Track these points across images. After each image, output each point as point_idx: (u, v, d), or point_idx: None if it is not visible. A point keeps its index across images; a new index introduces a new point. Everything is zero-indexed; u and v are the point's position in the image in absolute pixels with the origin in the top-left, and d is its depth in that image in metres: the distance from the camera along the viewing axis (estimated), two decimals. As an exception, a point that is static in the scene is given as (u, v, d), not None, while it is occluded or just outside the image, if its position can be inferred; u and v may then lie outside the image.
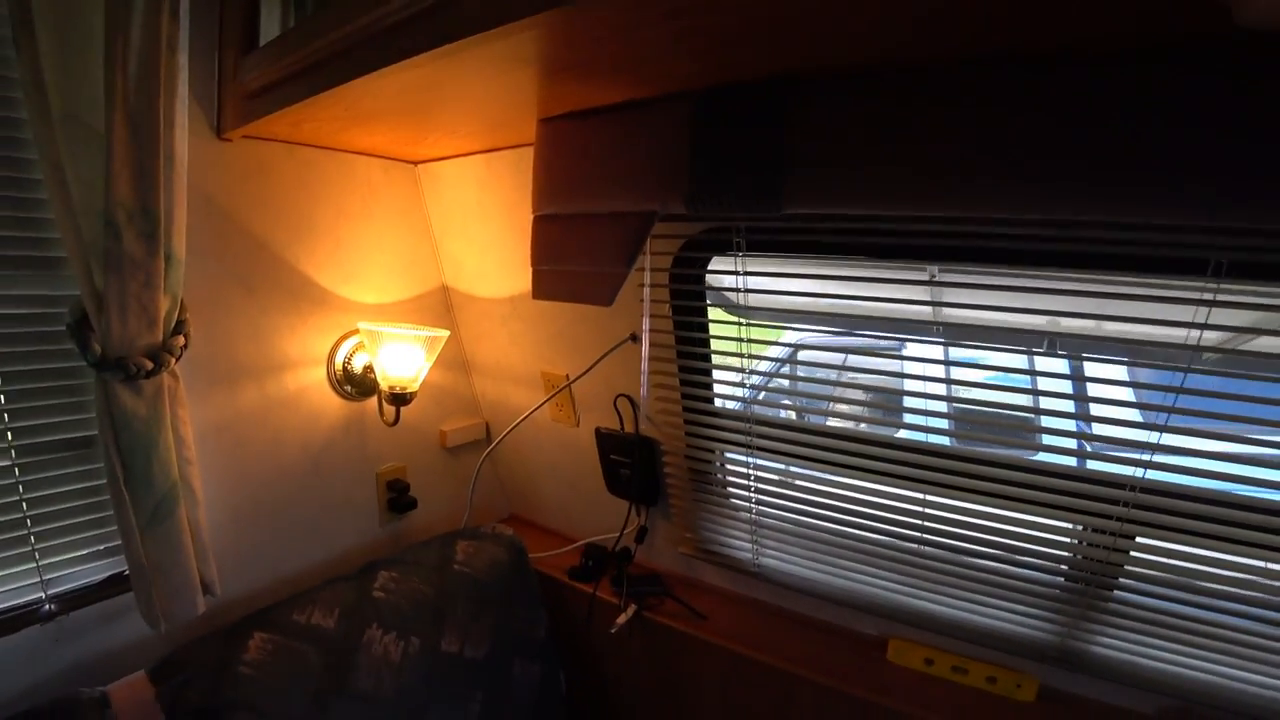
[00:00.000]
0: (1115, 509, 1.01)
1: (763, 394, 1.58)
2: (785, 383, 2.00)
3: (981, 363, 1.15)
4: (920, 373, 1.32)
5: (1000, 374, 1.11)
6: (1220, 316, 0.84)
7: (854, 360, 1.24)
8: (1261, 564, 0.95)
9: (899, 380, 1.48)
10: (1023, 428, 1.39)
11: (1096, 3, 0.59)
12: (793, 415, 1.52)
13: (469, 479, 1.69)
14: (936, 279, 1.10)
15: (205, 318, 1.19)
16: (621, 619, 1.41)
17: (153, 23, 0.97)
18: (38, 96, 0.95)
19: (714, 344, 1.29)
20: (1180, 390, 0.89)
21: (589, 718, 1.59)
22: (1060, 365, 1.81)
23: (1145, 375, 1.41)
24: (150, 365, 1.04)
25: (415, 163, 1.48)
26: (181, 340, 1.10)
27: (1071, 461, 1.15)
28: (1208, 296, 0.82)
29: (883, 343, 1.30)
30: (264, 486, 1.33)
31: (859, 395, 1.50)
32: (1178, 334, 0.88)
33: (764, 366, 2.03)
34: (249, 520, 1.31)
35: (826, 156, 0.84)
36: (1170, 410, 0.90)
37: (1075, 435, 1.12)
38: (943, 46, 0.73)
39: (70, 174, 0.97)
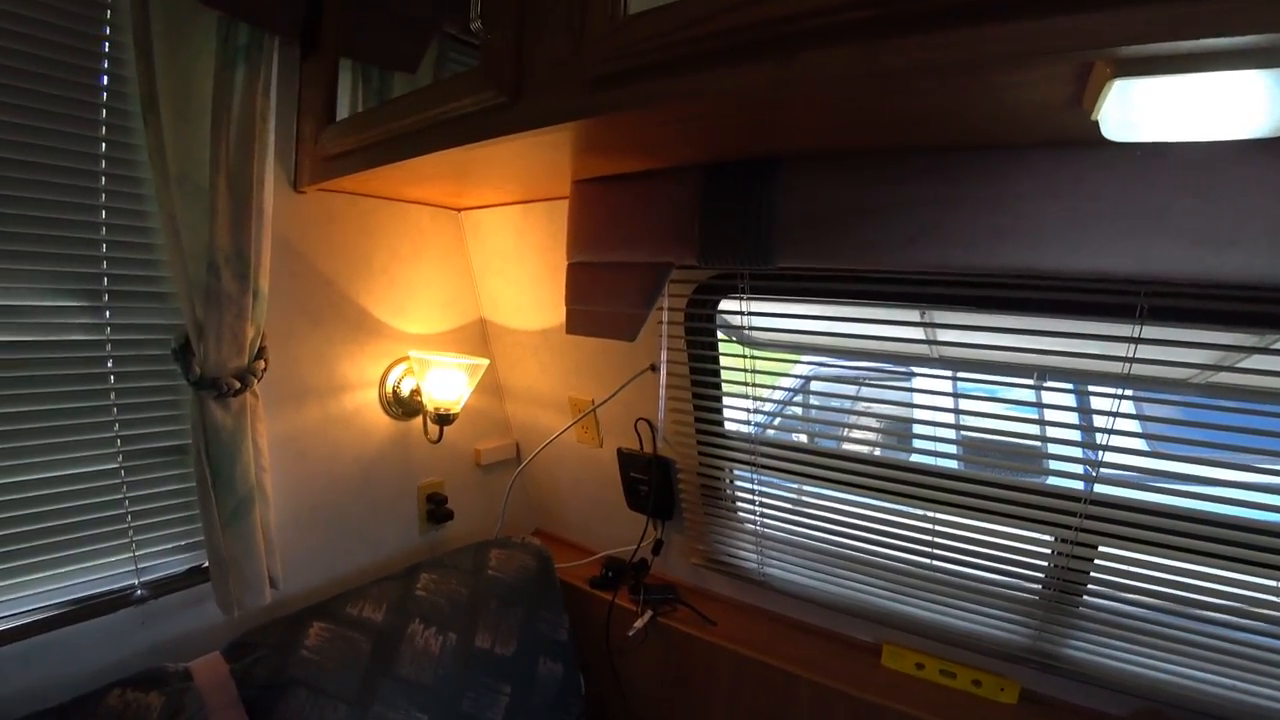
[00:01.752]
0: (1073, 520, 1.15)
1: (777, 419, 1.73)
2: (796, 409, 2.15)
3: (981, 394, 1.29)
4: (925, 402, 1.47)
5: (1003, 404, 1.26)
6: (1148, 352, 0.99)
7: (851, 389, 1.40)
8: (1216, 572, 1.08)
9: (906, 409, 1.63)
10: (1023, 453, 1.53)
11: (995, 119, 0.76)
12: (803, 438, 1.66)
13: (501, 494, 1.85)
14: (926, 317, 1.27)
15: (280, 345, 1.37)
16: (639, 623, 1.55)
17: (249, 100, 1.18)
18: (159, 161, 1.15)
19: (726, 374, 1.45)
20: (1117, 414, 1.04)
21: (606, 715, 1.71)
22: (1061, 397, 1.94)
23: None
24: (238, 385, 1.23)
25: (459, 209, 1.67)
26: (263, 364, 1.29)
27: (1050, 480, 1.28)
28: (1136, 333, 0.98)
29: (877, 373, 1.45)
30: (322, 493, 1.49)
31: (863, 420, 1.65)
32: (1115, 366, 1.03)
33: (776, 395, 2.19)
34: (308, 523, 1.47)
35: (810, 220, 1.01)
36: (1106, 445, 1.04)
37: (1039, 455, 1.26)
38: (892, 140, 0.91)
39: (182, 224, 1.17)
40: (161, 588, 1.29)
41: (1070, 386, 1.48)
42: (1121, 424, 1.05)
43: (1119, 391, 1.02)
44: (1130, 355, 0.99)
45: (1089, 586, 1.23)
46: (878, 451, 1.45)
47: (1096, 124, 0.63)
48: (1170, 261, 0.84)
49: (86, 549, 1.21)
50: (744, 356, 1.39)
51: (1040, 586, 1.27)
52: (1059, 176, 0.86)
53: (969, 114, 0.77)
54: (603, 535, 1.84)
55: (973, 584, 1.33)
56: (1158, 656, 1.18)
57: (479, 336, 1.81)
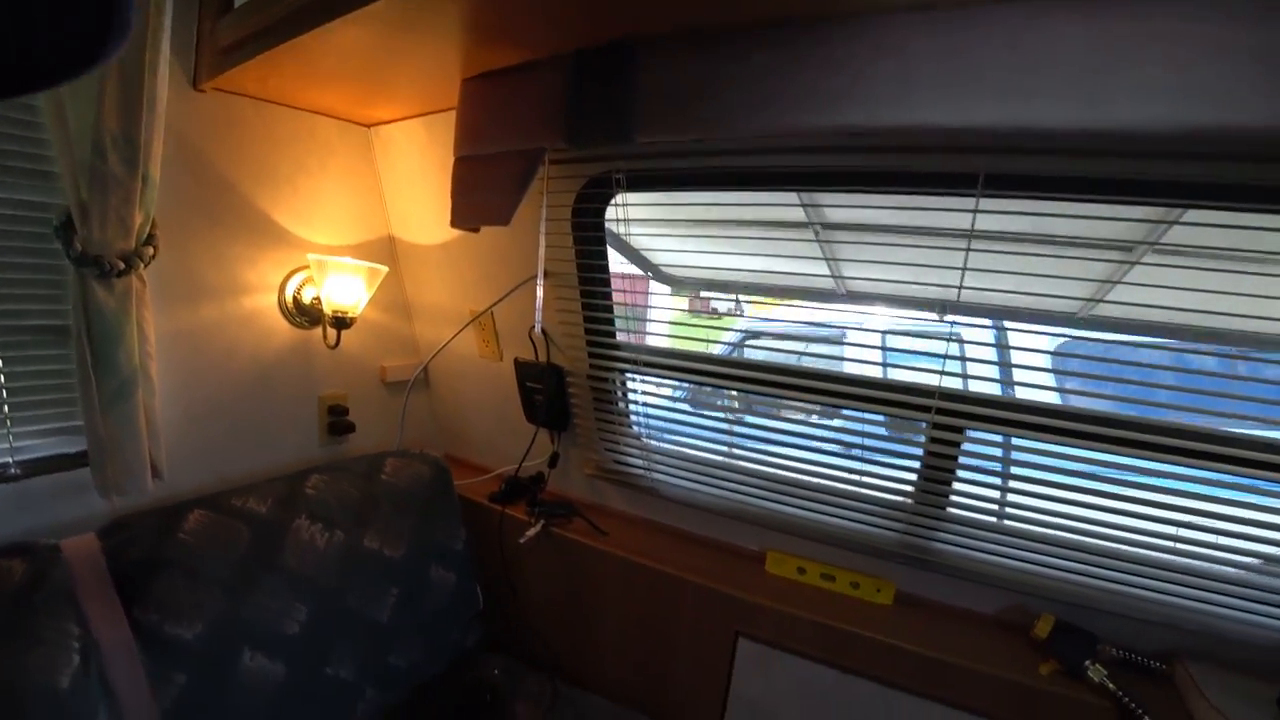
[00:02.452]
0: (927, 415, 1.21)
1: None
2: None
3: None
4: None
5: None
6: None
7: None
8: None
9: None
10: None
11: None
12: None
13: (406, 412, 1.88)
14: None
15: (174, 240, 1.37)
16: (530, 533, 1.58)
17: (143, -13, 1.20)
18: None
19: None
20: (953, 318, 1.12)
21: (503, 624, 1.74)
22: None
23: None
24: (122, 265, 1.24)
25: (369, 125, 1.69)
26: (151, 250, 1.29)
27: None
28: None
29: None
30: (216, 391, 1.50)
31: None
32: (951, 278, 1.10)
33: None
34: (201, 419, 1.48)
35: (665, 96, 1.06)
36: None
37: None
38: (737, 15, 0.97)
39: (68, 103, 1.17)
40: (37, 468, 1.29)
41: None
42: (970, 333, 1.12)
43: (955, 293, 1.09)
44: (970, 228, 1.06)
45: (954, 486, 1.29)
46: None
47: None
48: (987, 113, 0.90)
49: (-45, 422, 1.20)
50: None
51: (912, 483, 1.33)
52: (887, 41, 0.92)
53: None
54: (504, 454, 1.87)
55: (846, 484, 1.38)
56: (1014, 549, 1.24)
57: (387, 253, 1.83)
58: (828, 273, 1.58)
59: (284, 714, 1.28)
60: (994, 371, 1.47)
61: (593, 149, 1.28)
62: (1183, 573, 1.12)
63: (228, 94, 1.44)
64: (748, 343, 2.00)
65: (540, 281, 1.40)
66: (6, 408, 1.25)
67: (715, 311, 1.78)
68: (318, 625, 1.35)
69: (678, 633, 1.49)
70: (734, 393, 1.57)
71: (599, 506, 1.73)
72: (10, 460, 1.27)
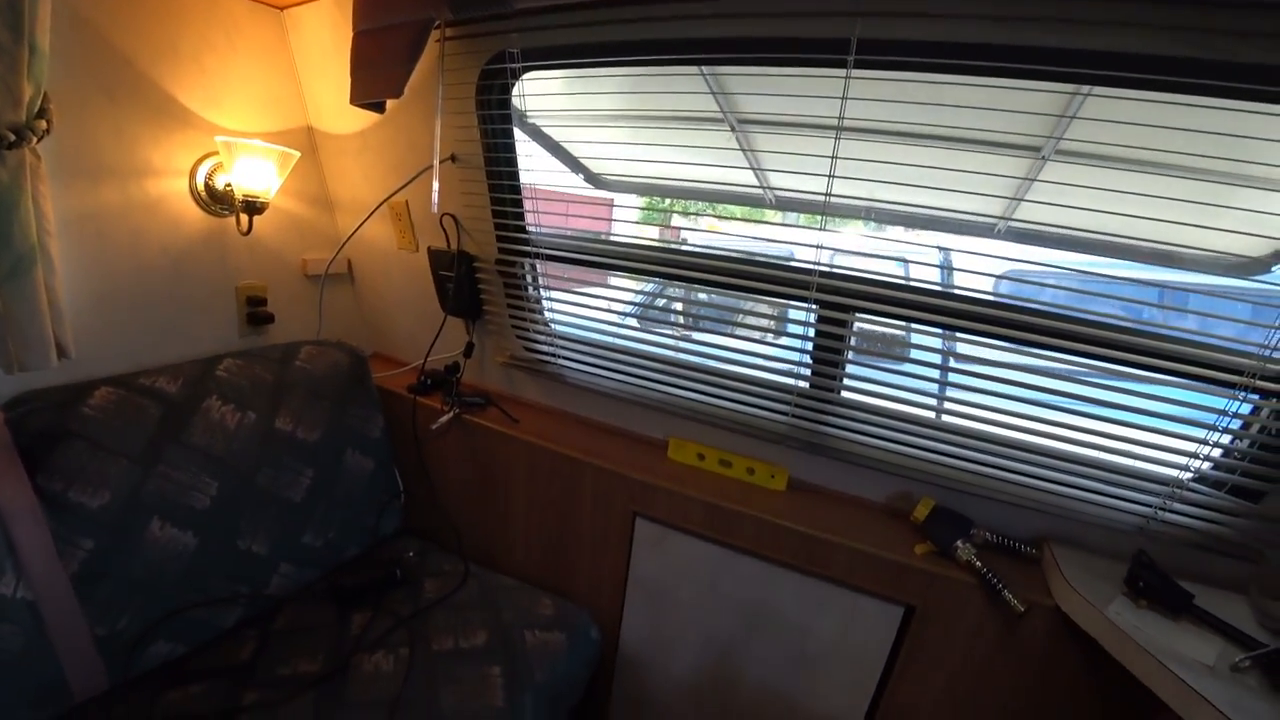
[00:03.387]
0: (809, 294, 1.24)
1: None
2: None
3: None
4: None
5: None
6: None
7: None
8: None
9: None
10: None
11: None
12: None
13: (328, 307, 1.89)
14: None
15: (71, 116, 1.34)
16: (442, 420, 1.62)
17: None
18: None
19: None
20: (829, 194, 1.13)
21: (420, 508, 1.81)
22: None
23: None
24: (13, 138, 1.21)
25: (282, 7, 1.63)
26: (44, 124, 1.27)
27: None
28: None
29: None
30: (125, 277, 1.49)
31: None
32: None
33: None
34: (110, 305, 1.48)
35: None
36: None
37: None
38: None
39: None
40: (-65, 342, 1.29)
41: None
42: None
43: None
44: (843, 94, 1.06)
45: (844, 370, 1.33)
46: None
47: None
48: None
49: None
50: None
51: (804, 370, 1.38)
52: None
53: None
54: (424, 347, 1.88)
55: (741, 367, 1.42)
56: (897, 434, 1.31)
57: (306, 144, 1.80)
58: (755, 181, 1.60)
59: (196, 579, 1.33)
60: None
61: (474, 15, 1.25)
62: (1048, 455, 1.19)
63: (123, -38, 1.39)
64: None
65: (436, 165, 1.39)
66: (-103, 281, 1.25)
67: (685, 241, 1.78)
68: (229, 500, 1.39)
69: (580, 515, 1.56)
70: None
71: (514, 397, 1.78)
72: (-96, 333, 1.27)
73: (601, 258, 1.47)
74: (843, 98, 1.06)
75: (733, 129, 1.50)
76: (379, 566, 1.56)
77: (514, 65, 1.30)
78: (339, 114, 1.69)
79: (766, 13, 1.09)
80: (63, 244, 1.35)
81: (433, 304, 1.75)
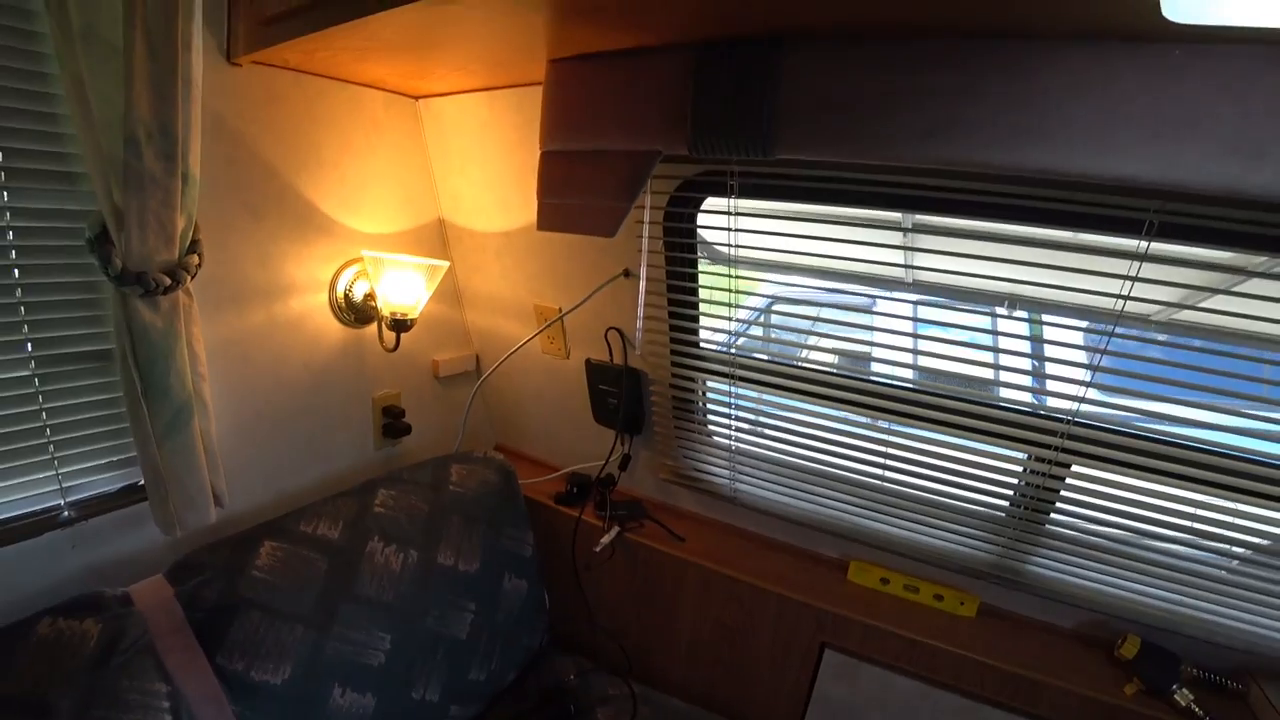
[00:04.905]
0: (1053, 440, 1.15)
1: (742, 339, 1.68)
2: (766, 330, 2.12)
3: (946, 320, 1.27)
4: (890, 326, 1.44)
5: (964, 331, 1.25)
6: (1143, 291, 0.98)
7: (827, 312, 1.37)
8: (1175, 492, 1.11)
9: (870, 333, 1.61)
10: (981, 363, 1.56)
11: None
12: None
13: (460, 407, 1.77)
14: (911, 233, 1.22)
15: (215, 240, 1.21)
16: (606, 539, 1.52)
17: (169, -57, 0.99)
18: (59, 12, 0.96)
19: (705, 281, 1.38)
20: (1105, 352, 1.05)
21: (572, 630, 1.70)
22: (1020, 326, 1.97)
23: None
24: (168, 281, 1.08)
25: (417, 97, 1.50)
26: (196, 259, 1.14)
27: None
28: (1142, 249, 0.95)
29: (857, 299, 1.42)
30: (267, 402, 1.38)
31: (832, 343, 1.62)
32: (1107, 302, 1.02)
33: (746, 313, 2.16)
34: (252, 434, 1.37)
35: (815, 107, 0.92)
36: (1097, 365, 1.03)
37: (1026, 373, 1.26)
38: (910, 16, 0.82)
39: (92, 90, 0.99)
40: (92, 508, 1.18)
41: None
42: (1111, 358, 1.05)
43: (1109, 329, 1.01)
44: (1134, 274, 0.97)
45: (1057, 505, 1.25)
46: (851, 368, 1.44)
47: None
48: (1198, 171, 0.79)
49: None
50: (728, 265, 1.32)
51: (1009, 505, 1.29)
52: (1090, 74, 0.79)
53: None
54: (567, 450, 1.79)
55: (941, 500, 1.34)
56: (1110, 574, 1.23)
57: (437, 238, 1.68)
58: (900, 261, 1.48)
59: (376, 746, 1.24)
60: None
61: (719, 159, 1.14)
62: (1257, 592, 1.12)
63: (265, 67, 1.25)
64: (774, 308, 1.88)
65: (643, 285, 1.28)
66: (52, 446, 1.13)
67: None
68: (402, 652, 1.29)
69: (759, 640, 1.46)
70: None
71: (670, 507, 1.67)
72: (62, 503, 1.15)
73: (805, 383, 1.36)
74: (1138, 260, 0.96)
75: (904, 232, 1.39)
76: (545, 697, 1.47)
77: (731, 195, 1.18)
78: (477, 209, 1.57)
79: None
80: (210, 377, 1.22)
81: (580, 409, 1.64)
